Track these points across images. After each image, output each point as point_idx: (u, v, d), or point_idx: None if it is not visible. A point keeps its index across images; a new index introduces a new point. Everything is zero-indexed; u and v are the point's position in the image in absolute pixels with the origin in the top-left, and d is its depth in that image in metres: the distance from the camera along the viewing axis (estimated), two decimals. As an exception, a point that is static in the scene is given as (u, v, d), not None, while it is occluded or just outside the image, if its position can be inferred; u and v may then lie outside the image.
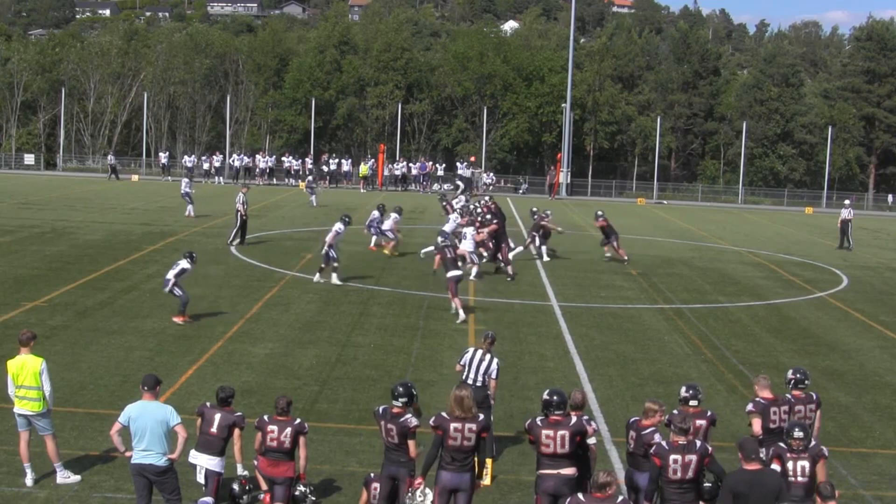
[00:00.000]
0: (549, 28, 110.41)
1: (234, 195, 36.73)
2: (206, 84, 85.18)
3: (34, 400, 13.02)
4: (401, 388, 11.46)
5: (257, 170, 69.74)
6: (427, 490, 11.37)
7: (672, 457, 10.73)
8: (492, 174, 73.60)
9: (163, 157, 74.89)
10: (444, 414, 11.22)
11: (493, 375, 14.36)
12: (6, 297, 24.39)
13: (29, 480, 12.96)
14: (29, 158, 77.04)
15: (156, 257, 31.98)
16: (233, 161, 71.96)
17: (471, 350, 14.51)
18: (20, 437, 13.13)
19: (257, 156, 71.70)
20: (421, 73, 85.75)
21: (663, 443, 10.97)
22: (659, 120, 79.21)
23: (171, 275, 22.42)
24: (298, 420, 12.20)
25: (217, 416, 12.08)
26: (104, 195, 54.03)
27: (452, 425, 11.10)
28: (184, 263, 22.63)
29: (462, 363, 14.41)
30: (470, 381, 14.19)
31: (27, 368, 13.00)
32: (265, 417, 12.15)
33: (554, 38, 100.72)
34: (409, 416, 11.40)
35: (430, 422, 11.25)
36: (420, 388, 17.81)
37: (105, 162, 73.75)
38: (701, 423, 12.00)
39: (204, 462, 12.00)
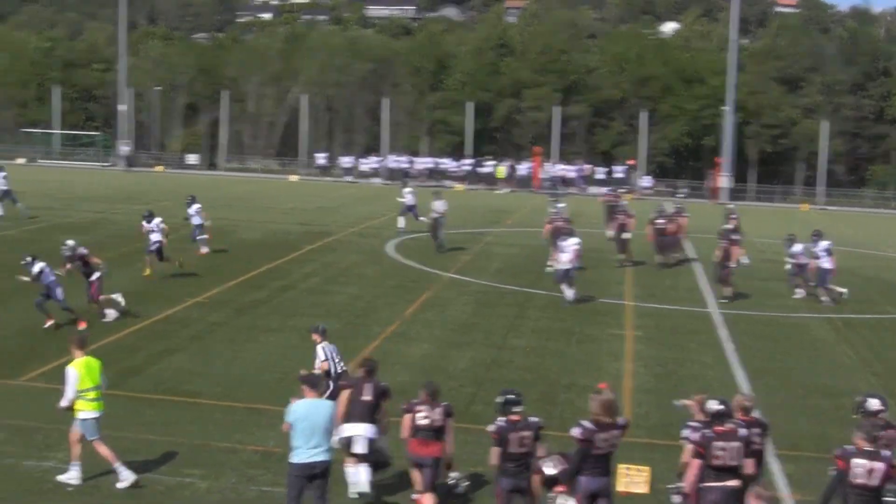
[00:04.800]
0: (711, 29, 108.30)
1: (399, 197, 37.80)
2: (364, 86, 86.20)
3: (101, 399, 13.09)
4: (514, 396, 11.41)
5: (413, 171, 70.36)
6: (570, 499, 11.14)
7: (858, 461, 10.26)
8: (650, 177, 72.57)
9: (320, 158, 76.03)
10: (588, 424, 10.92)
11: None
12: (169, 293, 25.02)
13: (130, 479, 12.99)
14: (191, 158, 79.24)
15: (313, 257, 32.38)
16: (389, 163, 72.72)
17: None
18: (99, 441, 13.04)
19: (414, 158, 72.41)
20: (578, 76, 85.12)
21: (849, 446, 10.50)
22: (825, 123, 76.85)
23: None
24: (446, 402, 12.50)
25: (369, 385, 12.61)
26: (263, 195, 55.09)
27: (600, 436, 10.86)
28: None
29: None
30: None
31: (94, 369, 13.07)
32: (413, 400, 12.39)
33: (715, 40, 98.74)
34: (530, 417, 11.43)
35: (577, 433, 10.92)
36: (576, 392, 17.62)
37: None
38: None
39: (362, 430, 12.39)
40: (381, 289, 27.26)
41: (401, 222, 38.32)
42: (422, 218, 37.31)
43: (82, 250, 22.38)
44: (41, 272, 21.08)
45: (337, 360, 15.05)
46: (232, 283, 26.91)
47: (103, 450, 12.91)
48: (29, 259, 21.45)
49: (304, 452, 11.19)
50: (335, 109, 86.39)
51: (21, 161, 74.65)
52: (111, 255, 27.84)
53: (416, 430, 12.13)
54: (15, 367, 18.01)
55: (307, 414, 11.25)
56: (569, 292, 25.81)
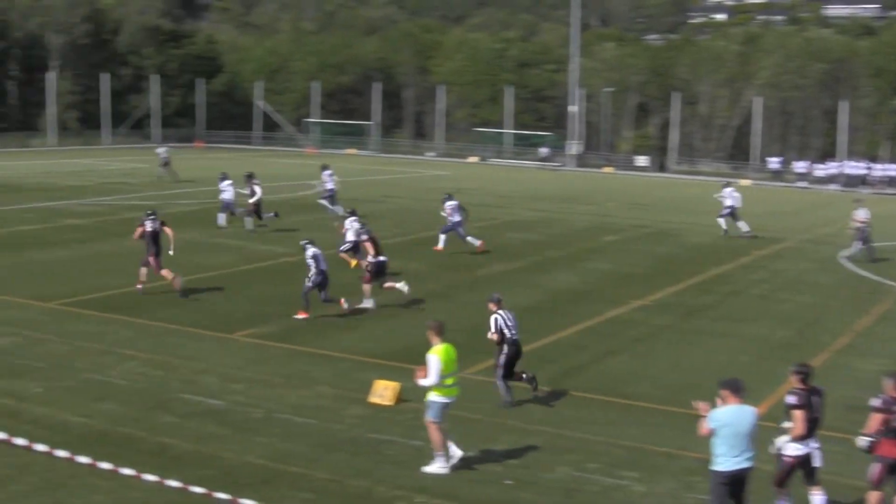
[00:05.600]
0: None
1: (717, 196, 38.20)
2: (821, 88, 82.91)
3: (457, 385, 13.34)
4: None
5: (867, 177, 67.08)
6: None
7: None
8: None
9: (773, 163, 74.06)
10: None
11: None
12: (614, 294, 25.27)
13: (441, 468, 13.14)
14: (641, 160, 79.73)
15: (763, 263, 31.61)
16: (846, 168, 69.65)
17: None
18: (436, 425, 13.15)
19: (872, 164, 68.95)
20: None
21: None
22: None
23: None
24: None
25: (816, 398, 11.86)
26: (712, 199, 54.31)
27: None
28: None
29: None
30: None
31: (452, 356, 13.26)
32: (887, 396, 11.65)
33: None
34: None
35: None
36: None
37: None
38: None
39: (817, 444, 11.85)
40: (832, 299, 26.10)
41: (722, 224, 37.44)
42: (740, 223, 36.24)
43: (364, 236, 23.38)
44: (315, 257, 21.26)
45: (510, 325, 15.60)
46: (678, 287, 26.79)
47: (435, 434, 13.17)
48: (304, 242, 21.83)
49: (730, 460, 10.96)
50: (789, 112, 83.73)
51: (473, 160, 78.60)
52: (555, 254, 28.47)
53: (888, 430, 11.48)
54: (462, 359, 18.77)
55: (733, 420, 10.99)
56: None
